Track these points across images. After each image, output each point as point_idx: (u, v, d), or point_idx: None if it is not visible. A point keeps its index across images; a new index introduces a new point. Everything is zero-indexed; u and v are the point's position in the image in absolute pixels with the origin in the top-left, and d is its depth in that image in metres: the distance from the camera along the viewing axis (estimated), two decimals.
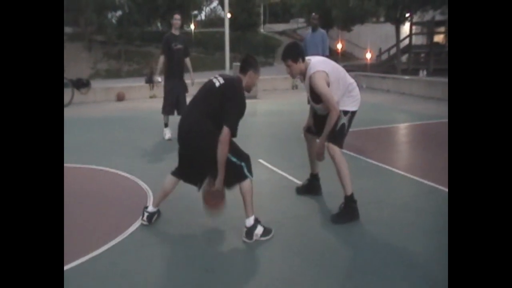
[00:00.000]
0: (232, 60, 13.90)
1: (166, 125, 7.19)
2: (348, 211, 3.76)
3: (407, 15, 22.81)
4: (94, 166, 5.55)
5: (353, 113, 3.85)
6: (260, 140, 7.16)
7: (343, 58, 27.85)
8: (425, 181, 4.76)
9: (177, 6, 25.90)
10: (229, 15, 13.99)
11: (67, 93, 11.02)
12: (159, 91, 7.42)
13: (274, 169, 5.32)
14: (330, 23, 24.30)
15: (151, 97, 12.38)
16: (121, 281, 2.89)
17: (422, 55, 28.57)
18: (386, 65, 25.71)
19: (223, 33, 13.14)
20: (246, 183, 3.32)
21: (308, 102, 4.15)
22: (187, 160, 3.48)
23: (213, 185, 3.30)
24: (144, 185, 4.72)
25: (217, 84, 3.32)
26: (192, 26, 35.24)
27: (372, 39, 29.47)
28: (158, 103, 7.39)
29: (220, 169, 3.21)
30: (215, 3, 42.54)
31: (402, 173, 5.13)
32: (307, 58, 3.80)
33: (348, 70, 4.11)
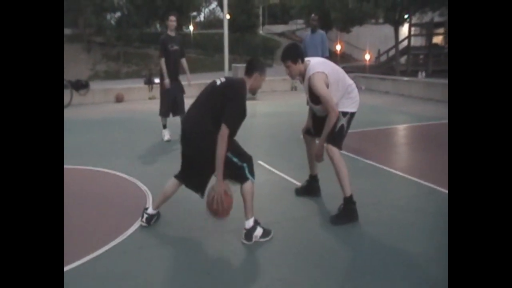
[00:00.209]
0: (231, 61, 13.92)
1: (164, 127, 7.20)
2: (347, 212, 3.77)
3: (406, 16, 22.86)
4: (93, 168, 5.55)
5: (352, 114, 3.85)
6: (259, 141, 7.16)
7: (342, 60, 27.89)
8: (424, 182, 4.77)
9: (176, 8, 25.92)
10: (228, 17, 14.00)
11: (66, 94, 11.02)
12: (158, 92, 7.41)
13: (273, 170, 5.32)
14: (329, 24, 24.36)
15: (150, 98, 12.38)
16: (121, 282, 2.89)
17: (421, 56, 28.62)
18: (385, 67, 25.75)
19: (222, 35, 13.15)
20: (247, 185, 3.31)
21: (307, 104, 4.16)
22: (188, 162, 3.48)
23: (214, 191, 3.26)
24: (143, 186, 4.71)
25: (218, 83, 3.34)
26: (191, 28, 35.27)
27: (371, 41, 29.53)
28: (157, 105, 7.39)
29: (219, 167, 3.16)
30: (214, 5, 42.59)
31: (401, 174, 5.14)
32: (306, 59, 3.80)
33: (347, 72, 4.11)
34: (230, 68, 13.10)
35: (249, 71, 3.39)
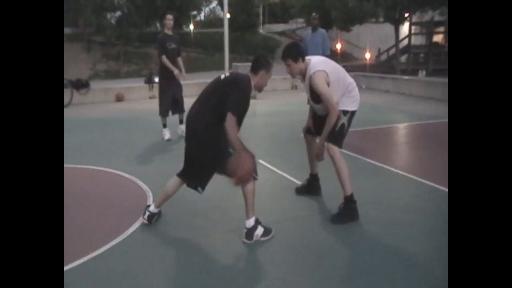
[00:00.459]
0: (231, 60, 13.92)
1: (164, 126, 7.20)
2: (348, 211, 3.76)
3: (406, 15, 22.84)
4: (93, 167, 5.55)
5: (353, 113, 3.85)
6: (259, 140, 7.16)
7: (343, 59, 27.88)
8: (425, 181, 4.76)
9: (176, 7, 25.91)
10: (228, 16, 14.00)
11: (66, 94, 11.02)
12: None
13: (274, 169, 5.32)
14: (330, 23, 24.34)
15: (150, 97, 12.38)
16: (121, 282, 2.89)
17: (421, 55, 28.61)
18: (385, 66, 25.74)
19: (222, 34, 13.15)
20: (249, 184, 3.31)
21: (308, 103, 4.15)
22: (190, 158, 3.47)
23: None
24: (144, 186, 4.71)
25: (222, 77, 3.37)
26: (192, 27, 35.26)
27: (371, 40, 29.51)
28: (157, 104, 7.39)
29: (236, 148, 3.10)
30: (214, 4, 42.57)
31: (402, 173, 5.14)
32: (307, 58, 3.80)
33: (347, 71, 4.11)
34: (230, 67, 13.10)
35: (255, 69, 3.39)
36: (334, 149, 3.72)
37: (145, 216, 3.70)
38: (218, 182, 3.66)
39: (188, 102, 3.67)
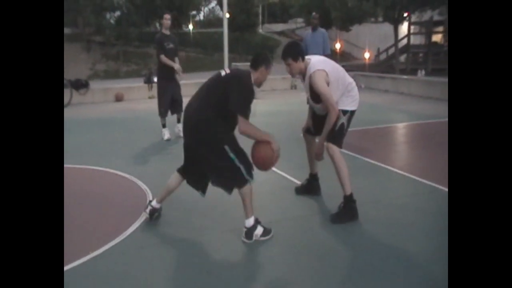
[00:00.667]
0: (230, 60, 13.90)
1: (164, 126, 7.20)
2: (348, 211, 3.77)
3: (405, 15, 22.85)
4: (93, 167, 5.55)
5: (352, 112, 3.85)
6: None
7: (342, 58, 27.88)
8: (424, 181, 4.76)
9: (176, 7, 25.90)
10: (227, 16, 13.99)
11: (66, 94, 11.01)
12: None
13: (273, 169, 5.29)
14: (329, 23, 24.34)
15: (149, 97, 12.37)
16: (121, 282, 2.89)
17: (421, 55, 28.61)
18: (385, 65, 25.74)
19: (221, 34, 13.13)
20: (246, 186, 3.32)
21: (308, 102, 4.15)
22: (190, 153, 3.48)
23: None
24: (144, 186, 4.71)
25: (223, 73, 3.39)
26: (191, 27, 35.25)
27: (370, 39, 29.51)
28: (157, 104, 7.39)
29: (262, 138, 3.39)
30: (213, 4, 42.54)
31: (401, 172, 5.14)
32: (307, 57, 3.80)
33: (346, 70, 4.11)
34: (229, 67, 13.09)
35: (255, 65, 3.43)
36: (334, 148, 3.72)
37: (147, 210, 3.72)
38: None
39: (187, 102, 3.67)
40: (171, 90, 7.07)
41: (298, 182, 4.60)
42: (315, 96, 3.79)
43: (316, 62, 3.76)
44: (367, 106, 9.43)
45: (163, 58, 6.94)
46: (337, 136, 3.76)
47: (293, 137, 6.78)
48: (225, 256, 3.26)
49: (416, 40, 28.35)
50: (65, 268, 2.96)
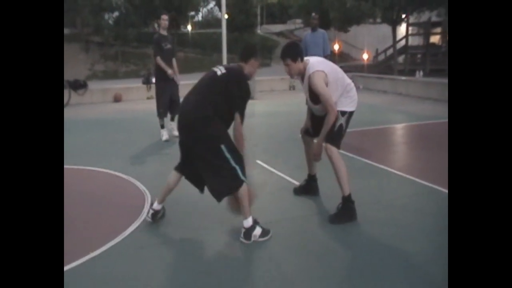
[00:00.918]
0: (229, 61, 13.88)
1: (162, 127, 7.20)
2: (346, 211, 3.77)
3: (404, 16, 22.88)
4: (91, 168, 5.55)
5: (351, 113, 3.86)
6: (257, 141, 7.16)
7: (340, 59, 27.88)
8: (423, 182, 4.77)
9: (174, 8, 25.88)
10: (226, 16, 14.00)
11: (64, 94, 11.03)
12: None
13: (272, 170, 5.32)
14: (328, 23, 24.35)
15: (148, 98, 12.37)
16: (120, 283, 2.89)
17: (419, 56, 28.62)
18: (383, 66, 25.75)
19: (220, 34, 13.13)
20: (242, 188, 3.32)
21: (307, 103, 4.16)
22: (189, 150, 3.48)
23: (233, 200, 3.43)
24: (142, 186, 4.71)
25: (219, 73, 3.40)
26: (190, 27, 35.22)
27: (368, 40, 29.53)
28: (155, 105, 7.39)
29: (241, 148, 3.38)
30: (212, 4, 42.51)
31: (400, 173, 5.15)
32: (305, 58, 3.81)
33: (345, 71, 4.12)
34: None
35: (245, 57, 3.51)
36: (332, 149, 3.72)
37: (149, 215, 3.72)
38: None
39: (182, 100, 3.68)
40: (170, 90, 7.07)
41: (297, 183, 4.61)
42: (314, 97, 3.80)
43: (315, 63, 3.77)
44: (366, 107, 9.44)
45: (159, 60, 6.95)
46: (335, 137, 3.76)
47: (292, 138, 6.79)
48: (224, 256, 3.27)
49: (414, 41, 28.37)
50: (64, 269, 2.96)
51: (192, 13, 33.94)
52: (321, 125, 3.77)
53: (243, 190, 3.32)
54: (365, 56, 24.71)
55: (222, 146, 3.26)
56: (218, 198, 3.39)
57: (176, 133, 4.12)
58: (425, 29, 27.68)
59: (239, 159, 3.33)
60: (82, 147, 6.78)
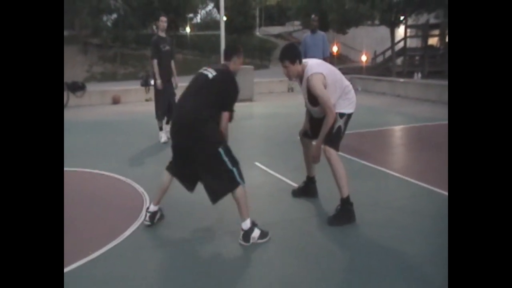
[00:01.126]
0: None
1: (161, 129, 7.20)
2: (345, 213, 3.77)
3: (402, 18, 22.92)
4: (89, 170, 5.54)
5: (349, 115, 3.87)
6: (256, 143, 7.17)
7: (339, 61, 27.91)
8: (421, 183, 4.78)
9: (173, 9, 25.88)
10: (224, 18, 14.01)
11: None
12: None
13: (271, 172, 5.33)
14: (326, 25, 24.38)
15: (146, 100, 12.35)
16: (119, 285, 2.89)
17: (417, 57, 28.67)
18: (381, 68, 25.77)
19: (218, 36, 13.14)
20: (239, 190, 3.35)
21: (306, 105, 4.16)
22: (188, 150, 3.49)
23: None
24: (140, 188, 4.71)
25: (210, 76, 3.46)
26: (188, 29, 35.25)
27: (367, 42, 29.57)
28: (154, 106, 7.39)
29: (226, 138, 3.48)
30: (210, 6, 42.54)
31: (398, 175, 5.16)
32: (304, 60, 3.82)
33: (343, 73, 4.13)
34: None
35: (228, 56, 3.64)
36: (331, 151, 3.73)
37: (147, 218, 3.72)
38: None
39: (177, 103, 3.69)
40: (168, 92, 7.08)
41: (295, 185, 4.61)
42: (312, 99, 3.80)
43: (314, 64, 3.77)
44: (364, 109, 9.46)
45: (154, 64, 6.97)
46: (334, 139, 3.77)
47: (291, 140, 6.79)
48: (223, 258, 3.27)
49: (412, 43, 28.43)
50: (64, 270, 2.95)
51: (191, 15, 33.95)
52: (320, 127, 3.78)
53: (240, 192, 3.34)
54: (364, 58, 24.74)
55: (220, 149, 3.31)
56: (214, 199, 3.42)
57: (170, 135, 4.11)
58: (423, 31, 27.74)
59: (235, 162, 3.37)
60: (80, 149, 6.78)
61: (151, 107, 7.61)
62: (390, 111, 10.40)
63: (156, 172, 5.26)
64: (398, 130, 8.33)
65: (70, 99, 11.56)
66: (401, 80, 14.78)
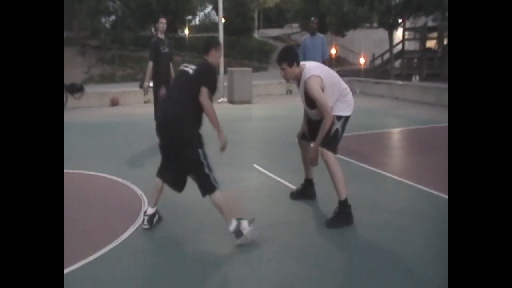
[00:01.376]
0: (226, 65, 13.92)
1: None
2: (342, 216, 3.78)
3: (400, 20, 22.99)
4: (88, 172, 5.54)
5: (347, 118, 3.87)
6: (254, 145, 7.17)
7: (337, 64, 27.96)
8: (419, 186, 4.79)
9: (171, 11, 25.90)
10: (223, 20, 14.03)
11: None
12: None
13: (269, 174, 5.32)
14: (324, 28, 24.42)
15: (145, 102, 12.34)
16: (119, 285, 2.88)
17: (415, 60, 28.74)
18: (380, 70, 25.84)
19: (217, 38, 13.17)
20: (216, 195, 3.37)
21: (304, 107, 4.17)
22: (170, 152, 3.57)
23: None
24: (139, 191, 4.71)
25: (191, 71, 3.55)
26: (187, 31, 35.26)
27: (365, 45, 29.62)
28: (152, 108, 7.39)
29: (216, 124, 3.48)
30: (209, 8, 42.59)
31: (396, 177, 5.16)
32: (301, 63, 3.82)
33: (341, 75, 4.14)
34: (225, 72, 13.10)
35: (206, 50, 3.67)
36: (328, 154, 3.73)
37: (145, 222, 3.71)
38: None
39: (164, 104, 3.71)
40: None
41: (293, 187, 4.61)
42: (309, 101, 3.81)
43: (312, 67, 3.78)
44: (362, 111, 9.47)
45: (150, 66, 6.98)
46: (331, 141, 3.77)
47: (289, 142, 6.79)
48: (221, 259, 3.27)
49: (410, 46, 28.50)
50: (64, 271, 2.95)
51: (189, 17, 33.97)
52: (318, 130, 3.78)
53: (218, 197, 3.36)
54: (362, 61, 24.79)
55: (200, 151, 3.37)
56: (204, 193, 3.44)
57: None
58: (422, 33, 27.82)
59: (211, 168, 3.40)
60: (78, 151, 6.76)
61: (149, 109, 7.60)
62: (388, 114, 10.41)
63: (154, 174, 5.25)
64: (396, 133, 8.35)
65: (69, 101, 11.53)
66: (399, 82, 14.82)
